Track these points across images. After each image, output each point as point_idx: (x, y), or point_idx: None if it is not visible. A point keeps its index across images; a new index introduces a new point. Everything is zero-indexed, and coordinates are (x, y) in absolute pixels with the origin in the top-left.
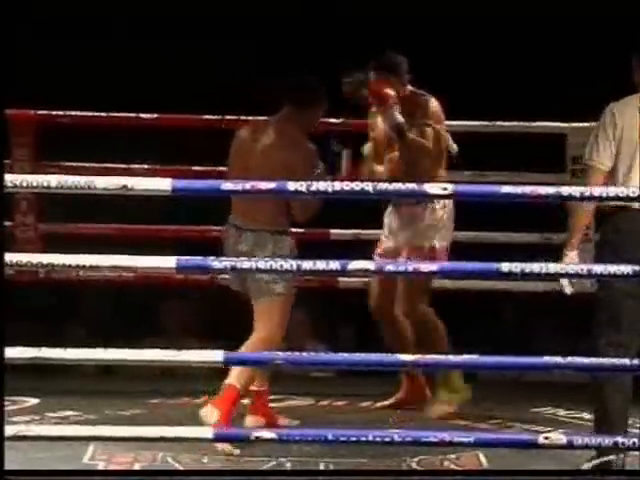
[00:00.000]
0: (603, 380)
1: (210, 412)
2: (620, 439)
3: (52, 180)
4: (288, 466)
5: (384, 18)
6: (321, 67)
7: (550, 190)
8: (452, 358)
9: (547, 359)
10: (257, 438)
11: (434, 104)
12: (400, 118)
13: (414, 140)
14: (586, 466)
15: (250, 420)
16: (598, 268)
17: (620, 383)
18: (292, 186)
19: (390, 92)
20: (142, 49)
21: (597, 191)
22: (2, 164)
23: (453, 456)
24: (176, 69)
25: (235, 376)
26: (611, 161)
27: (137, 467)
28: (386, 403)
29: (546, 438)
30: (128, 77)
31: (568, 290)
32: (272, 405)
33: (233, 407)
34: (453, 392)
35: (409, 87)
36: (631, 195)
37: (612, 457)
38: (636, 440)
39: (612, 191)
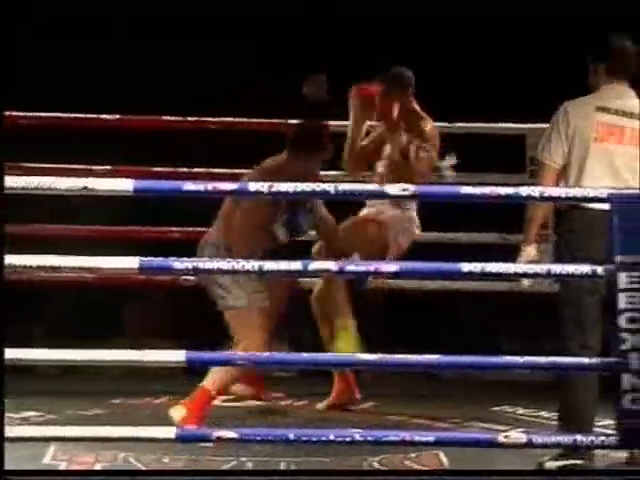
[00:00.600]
0: (571, 379)
1: (178, 412)
2: (579, 437)
3: (18, 181)
4: (249, 466)
5: (378, 18)
6: (321, 67)
7: (509, 190)
8: (413, 357)
9: (508, 359)
10: (218, 438)
11: (430, 126)
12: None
13: (417, 164)
14: (549, 465)
15: (238, 387)
16: (557, 268)
17: (587, 382)
18: (253, 187)
19: (395, 114)
20: (142, 49)
21: (556, 192)
22: (2, 165)
23: (414, 455)
24: (176, 69)
25: (210, 380)
26: (563, 159)
27: (98, 467)
28: (325, 404)
29: (506, 437)
30: (128, 77)
31: (526, 283)
32: (233, 405)
33: (202, 410)
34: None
35: (414, 104)
36: (590, 196)
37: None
38: (594, 438)
39: (571, 192)
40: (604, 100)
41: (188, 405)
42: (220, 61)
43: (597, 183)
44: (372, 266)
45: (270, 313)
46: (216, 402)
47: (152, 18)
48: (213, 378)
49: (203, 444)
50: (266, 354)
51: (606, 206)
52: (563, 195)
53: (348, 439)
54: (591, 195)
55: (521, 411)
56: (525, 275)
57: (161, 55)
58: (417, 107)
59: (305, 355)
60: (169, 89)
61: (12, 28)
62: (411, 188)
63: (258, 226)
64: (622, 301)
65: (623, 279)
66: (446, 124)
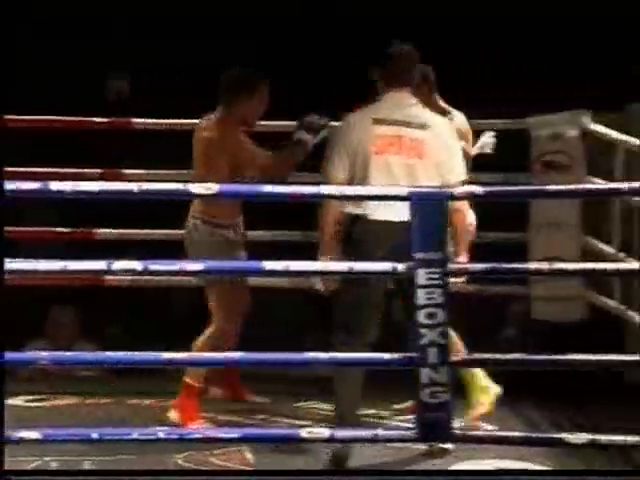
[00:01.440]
0: (339, 375)
1: (173, 414)
2: (380, 431)
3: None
4: (54, 466)
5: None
6: (321, 67)
7: (311, 189)
8: (211, 355)
9: (312, 355)
10: (22, 439)
11: (456, 122)
12: None
13: None
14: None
15: (212, 391)
16: (359, 266)
17: (353, 379)
18: (54, 186)
19: None
20: (142, 49)
21: (354, 190)
22: (2, 169)
23: (219, 452)
24: (176, 69)
25: (188, 373)
26: (345, 173)
27: None
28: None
29: (308, 432)
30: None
31: (318, 286)
32: (37, 405)
33: (194, 405)
34: (483, 393)
35: (438, 99)
36: (391, 194)
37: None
38: (394, 432)
39: (373, 191)
40: (381, 111)
41: (178, 404)
42: (220, 61)
43: None
44: (177, 265)
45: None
46: (20, 402)
47: (152, 18)
48: (188, 370)
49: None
50: (71, 354)
51: (390, 216)
52: (364, 193)
53: (152, 437)
54: (392, 194)
55: (326, 407)
56: (327, 273)
57: (161, 55)
58: (440, 102)
59: (111, 354)
60: (169, 89)
61: (12, 28)
62: (214, 187)
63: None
64: (421, 297)
65: (422, 276)
66: None
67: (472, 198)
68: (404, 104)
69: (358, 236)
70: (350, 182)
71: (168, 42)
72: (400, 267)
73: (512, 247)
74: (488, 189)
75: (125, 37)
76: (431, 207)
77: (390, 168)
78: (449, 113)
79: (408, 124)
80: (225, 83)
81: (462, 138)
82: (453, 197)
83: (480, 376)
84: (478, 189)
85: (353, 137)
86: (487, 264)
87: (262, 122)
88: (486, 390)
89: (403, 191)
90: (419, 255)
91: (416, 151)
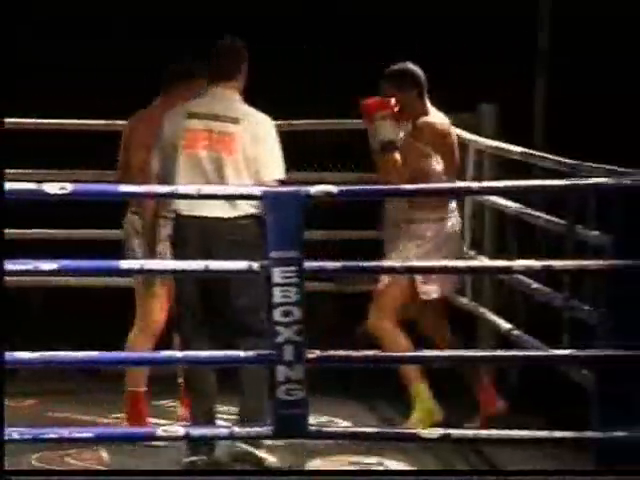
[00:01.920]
0: (190, 373)
1: None
2: (236, 429)
3: None
4: None
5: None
6: (321, 66)
7: (167, 189)
8: (73, 354)
9: (165, 354)
10: None
11: (436, 127)
12: (386, 136)
13: (387, 163)
14: (184, 461)
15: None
16: (215, 264)
17: (201, 377)
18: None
19: (375, 104)
20: (142, 49)
21: (213, 189)
22: (2, 171)
23: (74, 451)
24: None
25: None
26: (159, 167)
27: None
28: None
29: (165, 431)
30: (129, 77)
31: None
32: None
33: (139, 410)
34: (423, 412)
35: (425, 105)
36: (245, 194)
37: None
38: (250, 429)
39: (228, 190)
40: (197, 105)
41: (127, 411)
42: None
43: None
44: (31, 265)
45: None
46: None
47: (152, 18)
48: (127, 377)
49: None
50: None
51: (205, 212)
52: (221, 192)
53: (6, 437)
54: (246, 193)
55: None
56: (181, 272)
57: (161, 55)
58: (423, 106)
59: None
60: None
61: (12, 28)
62: (68, 187)
63: None
64: (276, 295)
65: (277, 274)
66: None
67: (327, 197)
68: (222, 98)
69: (174, 232)
70: (164, 177)
71: (168, 42)
72: (255, 266)
73: (368, 246)
74: (343, 188)
75: (125, 37)
76: (286, 206)
77: (199, 163)
78: (426, 117)
79: (219, 118)
80: (166, 74)
81: (441, 146)
82: (309, 196)
83: (425, 395)
84: (333, 188)
85: (167, 131)
86: (342, 262)
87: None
88: (427, 411)
89: (258, 190)
90: (274, 254)
91: (225, 145)
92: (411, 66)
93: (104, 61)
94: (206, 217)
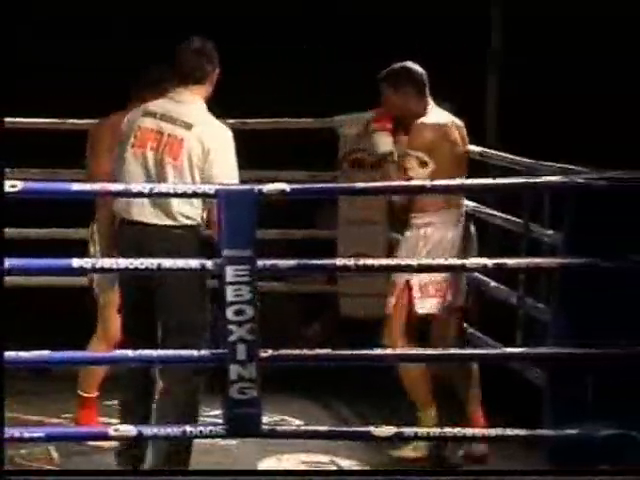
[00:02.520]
0: (123, 371)
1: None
2: (188, 428)
3: None
4: None
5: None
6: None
7: (120, 187)
8: (27, 354)
9: (119, 353)
10: None
11: (426, 132)
12: (384, 147)
13: (387, 175)
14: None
15: None
16: (166, 262)
17: (132, 377)
18: None
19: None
20: (142, 49)
21: (167, 188)
22: (2, 169)
23: (24, 452)
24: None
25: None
26: (114, 165)
27: None
28: None
29: (116, 430)
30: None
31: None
32: None
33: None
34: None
35: (426, 105)
36: (199, 191)
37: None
38: (203, 428)
39: (180, 188)
40: (154, 105)
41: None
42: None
43: None
44: None
45: None
46: None
47: (152, 18)
48: (80, 381)
49: None
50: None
51: (143, 218)
52: (178, 191)
53: None
54: (200, 191)
55: None
56: (137, 270)
57: (161, 55)
58: (422, 105)
59: None
60: None
61: (12, 28)
62: (19, 185)
63: None
64: (229, 294)
65: (230, 272)
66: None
67: (280, 195)
68: (181, 101)
69: (117, 236)
70: (115, 175)
71: (168, 42)
72: (208, 264)
73: (321, 244)
74: (296, 186)
75: (125, 37)
76: (239, 204)
77: (145, 163)
78: (420, 121)
79: (173, 120)
80: (136, 79)
81: (428, 150)
82: (262, 194)
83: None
84: (285, 186)
85: (124, 127)
86: (295, 260)
87: None
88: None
89: (211, 188)
90: (227, 252)
91: (171, 149)
92: (409, 65)
93: (104, 61)
94: (142, 222)
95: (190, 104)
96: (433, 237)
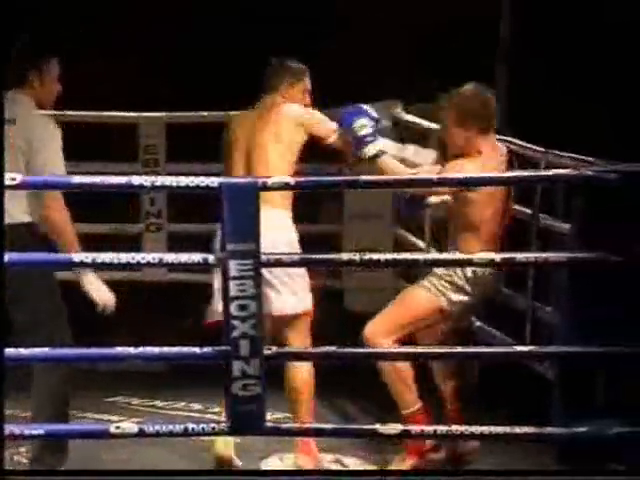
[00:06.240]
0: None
1: None
2: (191, 425)
3: None
4: None
5: None
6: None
7: (121, 180)
8: (18, 351)
9: (120, 350)
10: None
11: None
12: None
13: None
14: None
15: None
16: (169, 257)
17: (62, 374)
18: None
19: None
20: (146, 49)
21: (167, 180)
22: (2, 164)
23: (23, 449)
24: (176, 69)
25: None
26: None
27: None
28: None
29: (117, 427)
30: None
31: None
32: None
33: None
34: None
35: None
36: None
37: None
38: (206, 425)
39: (182, 181)
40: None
41: None
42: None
43: None
44: None
45: None
46: None
47: (153, 18)
48: None
49: None
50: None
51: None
52: (174, 184)
53: None
54: (202, 185)
55: (136, 401)
56: (137, 265)
57: (161, 55)
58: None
59: None
60: (170, 88)
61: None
62: (18, 177)
63: None
64: (233, 289)
65: (233, 267)
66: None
67: (285, 188)
68: (14, 101)
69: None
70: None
71: (168, 42)
72: (211, 258)
73: (328, 239)
74: (300, 179)
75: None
76: (241, 198)
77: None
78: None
79: (7, 121)
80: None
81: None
82: (265, 187)
83: None
84: (290, 179)
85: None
86: (299, 254)
87: None
88: None
89: (214, 182)
90: (230, 246)
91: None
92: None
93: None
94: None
95: (18, 103)
96: None
